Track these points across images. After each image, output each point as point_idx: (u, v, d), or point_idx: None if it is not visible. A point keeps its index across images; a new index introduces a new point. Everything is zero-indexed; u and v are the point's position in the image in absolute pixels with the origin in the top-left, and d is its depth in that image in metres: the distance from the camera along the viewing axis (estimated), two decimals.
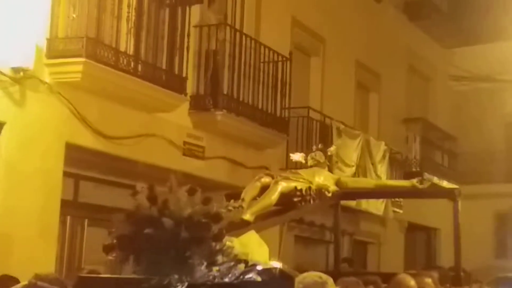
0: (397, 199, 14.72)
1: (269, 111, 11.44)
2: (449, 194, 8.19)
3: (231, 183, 10.51)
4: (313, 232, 13.92)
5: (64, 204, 8.60)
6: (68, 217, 9.36)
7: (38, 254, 7.83)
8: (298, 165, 8.85)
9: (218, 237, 3.67)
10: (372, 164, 14.12)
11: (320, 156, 7.82)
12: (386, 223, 16.12)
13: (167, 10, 9.39)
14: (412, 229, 17.83)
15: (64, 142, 8.31)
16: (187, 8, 9.62)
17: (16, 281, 5.27)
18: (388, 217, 15.27)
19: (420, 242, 19.27)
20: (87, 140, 8.57)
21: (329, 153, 8.08)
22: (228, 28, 10.71)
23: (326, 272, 4.68)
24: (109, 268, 3.82)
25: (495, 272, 14.01)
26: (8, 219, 7.68)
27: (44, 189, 8.06)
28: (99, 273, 3.91)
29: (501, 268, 15.71)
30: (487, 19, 18.41)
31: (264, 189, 7.10)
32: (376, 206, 14.41)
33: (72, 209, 9.38)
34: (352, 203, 13.03)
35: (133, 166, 9.42)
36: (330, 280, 4.37)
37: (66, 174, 8.55)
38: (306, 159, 7.86)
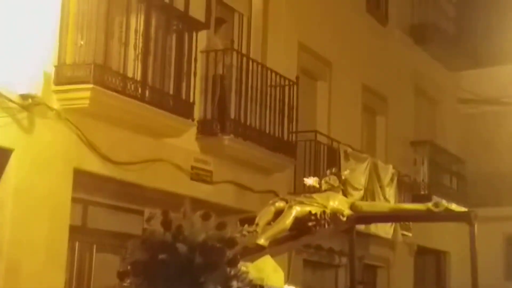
0: (406, 222, 14.66)
1: (277, 135, 11.45)
2: (465, 218, 8.12)
3: (239, 207, 10.51)
4: (321, 256, 13.86)
5: (73, 230, 8.60)
6: (77, 243, 9.35)
7: (47, 280, 7.83)
8: (307, 189, 8.84)
9: (233, 262, 3.64)
10: (380, 187, 14.08)
11: (334, 180, 7.81)
12: (395, 246, 16.05)
13: (174, 36, 9.44)
14: (422, 252, 17.73)
15: (72, 168, 8.33)
16: (194, 34, 9.68)
17: None
18: (397, 241, 15.20)
19: (429, 265, 19.15)
20: (95, 165, 8.59)
21: (343, 177, 8.07)
22: (234, 53, 10.75)
23: None
24: None
25: None
26: (16, 246, 7.68)
27: (52, 215, 8.07)
28: None
29: None
30: (494, 42, 18.43)
31: (278, 213, 7.08)
32: (384, 229, 14.35)
33: (81, 235, 9.38)
34: (361, 227, 12.97)
35: (141, 191, 9.43)
36: None
37: (74, 200, 8.56)
38: (320, 183, 7.84)
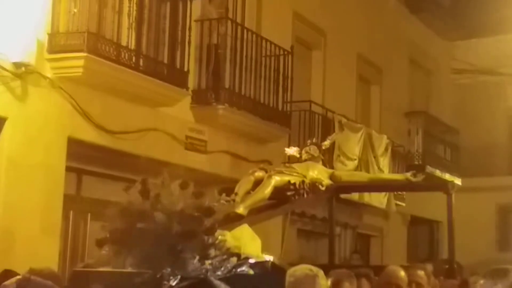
0: (399, 192, 14.71)
1: (271, 105, 11.43)
2: (443, 187, 8.21)
3: (233, 177, 10.48)
4: (315, 226, 13.92)
5: (67, 199, 8.61)
6: (71, 212, 9.36)
7: (41, 250, 7.84)
8: (298, 160, 8.86)
9: (210, 231, 3.67)
10: (374, 157, 14.11)
11: (314, 150, 7.83)
12: (389, 216, 16.12)
13: (168, 4, 9.38)
14: (415, 222, 17.82)
15: (66, 137, 8.31)
16: (188, 2, 9.61)
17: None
18: (391, 211, 15.27)
19: (422, 235, 19.26)
20: (89, 134, 8.57)
21: (323, 147, 8.08)
22: (229, 22, 10.69)
23: (318, 265, 4.69)
24: (102, 262, 3.82)
25: (497, 265, 13.99)
26: (10, 215, 7.69)
27: (46, 184, 8.06)
28: (94, 267, 3.90)
29: (503, 261, 15.70)
30: (489, 12, 18.36)
31: (258, 183, 7.10)
32: (378, 199, 14.41)
33: (75, 203, 9.38)
34: (354, 197, 13.03)
35: (135, 160, 9.40)
36: (320, 273, 4.38)
37: (68, 169, 8.56)
38: (300, 153, 7.86)
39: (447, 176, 16.98)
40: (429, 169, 16.39)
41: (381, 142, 14.53)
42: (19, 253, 7.63)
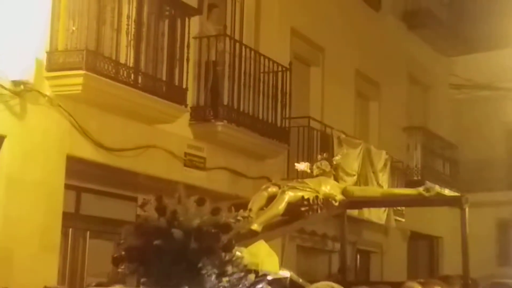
0: (399, 208, 14.70)
1: (270, 121, 11.44)
2: (456, 202, 8.16)
3: (232, 193, 10.51)
4: (315, 242, 13.89)
5: (66, 216, 8.59)
6: (70, 230, 9.34)
7: (40, 267, 7.82)
8: (300, 175, 8.85)
9: (228, 247, 3.64)
10: (374, 173, 14.11)
11: (326, 165, 7.81)
12: (389, 232, 16.10)
13: (167, 22, 9.41)
14: (415, 237, 17.79)
15: (65, 155, 8.31)
16: (187, 20, 9.65)
17: None
18: (390, 226, 15.25)
19: (422, 250, 19.22)
20: (88, 152, 8.57)
21: (334, 162, 8.07)
22: (227, 39, 10.72)
23: (337, 282, 4.66)
24: (114, 280, 3.79)
25: (497, 279, 13.95)
26: (9, 232, 7.67)
27: (45, 201, 8.05)
28: (106, 286, 3.88)
29: (503, 275, 15.67)
30: (486, 27, 18.43)
31: (271, 199, 7.08)
32: (378, 215, 14.39)
33: (74, 221, 9.37)
34: (354, 213, 13.01)
35: (134, 177, 9.42)
36: None
37: (67, 187, 8.55)
38: (311, 169, 7.85)
39: (447, 192, 16.95)
40: (428, 184, 16.36)
41: (380, 158, 14.53)
42: (18, 270, 7.61)
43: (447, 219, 16.19)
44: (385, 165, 14.64)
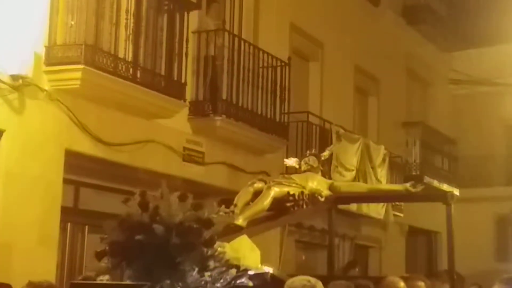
0: (397, 203, 14.71)
1: (269, 116, 11.44)
2: (442, 198, 8.19)
3: (231, 188, 10.49)
4: (313, 237, 13.91)
5: (65, 211, 8.60)
6: (69, 224, 9.35)
7: (39, 262, 7.83)
8: (298, 170, 8.85)
9: (210, 243, 3.67)
10: (372, 168, 14.11)
11: (313, 161, 7.81)
12: (387, 227, 16.11)
13: (165, 16, 9.39)
14: (413, 232, 17.81)
15: (64, 149, 8.31)
16: (185, 14, 9.64)
17: None
18: (389, 221, 15.26)
19: (421, 245, 19.25)
20: (86, 147, 8.57)
21: (322, 158, 8.07)
22: (226, 33, 10.72)
23: (317, 276, 4.67)
24: (101, 274, 3.81)
25: (495, 275, 13.96)
26: (8, 227, 7.67)
27: (44, 196, 8.05)
28: (93, 280, 3.90)
29: (501, 271, 15.67)
30: (486, 23, 18.42)
31: (257, 194, 7.09)
32: (376, 210, 14.40)
33: (73, 216, 9.37)
34: (353, 208, 13.03)
35: (133, 172, 9.41)
36: (319, 284, 4.37)
37: (66, 181, 8.55)
38: (299, 164, 7.85)
39: (445, 187, 16.99)
40: (427, 179, 16.39)
41: (379, 153, 14.54)
42: (17, 265, 7.61)
43: (445, 214, 16.19)
44: (383, 160, 14.65)
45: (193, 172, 10.24)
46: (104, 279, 3.72)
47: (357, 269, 13.07)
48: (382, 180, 14.18)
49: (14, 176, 7.76)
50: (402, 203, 15.00)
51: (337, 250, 13.88)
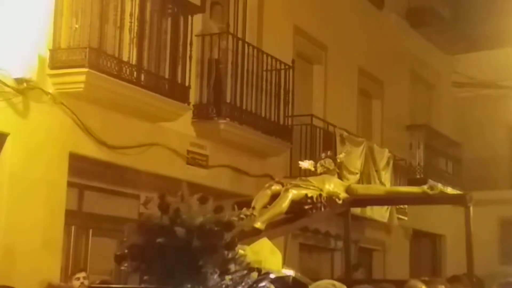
0: (401, 206, 14.69)
1: (272, 119, 11.44)
2: (461, 200, 8.15)
3: (235, 191, 10.51)
4: (318, 240, 13.89)
5: (69, 214, 8.60)
6: (73, 227, 9.36)
7: (43, 265, 7.83)
8: (302, 173, 8.84)
9: (231, 246, 3.64)
10: (376, 171, 14.10)
11: (329, 163, 7.80)
12: (391, 230, 16.08)
13: (169, 20, 9.41)
14: (417, 236, 17.77)
15: (68, 152, 8.32)
16: (189, 17, 9.65)
17: None
18: (393, 224, 15.23)
19: (425, 249, 19.20)
20: (90, 150, 8.58)
21: (338, 160, 8.05)
22: (230, 37, 10.72)
23: (339, 280, 4.65)
24: (117, 278, 3.81)
25: (499, 278, 13.91)
26: (12, 230, 7.68)
27: (48, 199, 8.06)
28: (110, 283, 3.90)
29: (506, 274, 15.63)
30: (490, 25, 18.39)
31: (275, 197, 7.08)
32: (380, 213, 14.38)
33: (77, 219, 9.38)
34: (357, 211, 13.00)
35: (137, 175, 9.42)
36: None
37: (70, 184, 8.56)
38: (315, 167, 7.83)
39: (449, 190, 16.94)
40: (431, 182, 16.34)
41: (383, 156, 14.52)
42: (21, 268, 7.62)
43: (450, 217, 16.19)
44: (387, 163, 14.63)
45: (197, 175, 10.24)
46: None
47: (359, 271, 13.06)
48: (386, 183, 14.15)
49: (19, 179, 7.76)
50: (406, 206, 14.97)
51: (340, 253, 13.88)
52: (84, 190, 9.61)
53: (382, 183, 13.97)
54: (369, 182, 13.53)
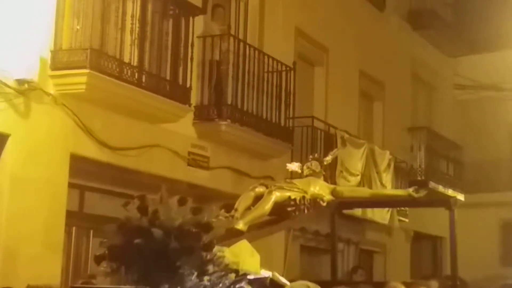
0: (402, 208, 14.69)
1: (274, 120, 11.45)
2: (445, 203, 8.17)
3: (235, 193, 10.48)
4: (318, 242, 13.89)
5: (70, 215, 8.61)
6: (74, 228, 9.36)
7: (44, 266, 7.84)
8: (298, 175, 8.84)
9: (209, 247, 3.67)
10: (377, 173, 14.10)
11: (315, 166, 7.79)
12: (392, 232, 16.09)
13: (171, 21, 9.42)
14: (418, 238, 17.78)
15: (69, 154, 8.32)
16: (191, 19, 9.66)
17: None
18: (394, 226, 15.24)
19: (426, 251, 19.21)
20: (91, 151, 8.59)
21: (325, 163, 8.05)
22: (231, 38, 10.73)
23: (320, 281, 4.67)
24: (103, 278, 3.82)
25: (500, 280, 13.96)
26: (13, 231, 7.68)
27: (49, 200, 8.07)
28: (94, 284, 3.91)
29: (506, 276, 15.66)
30: (491, 28, 18.41)
31: (258, 199, 7.07)
32: (381, 215, 14.39)
33: (78, 220, 9.38)
34: (357, 213, 13.02)
35: (138, 176, 9.43)
36: None
37: (71, 185, 8.57)
38: (301, 169, 7.83)
39: (450, 192, 16.96)
40: (432, 184, 16.38)
41: (384, 158, 14.53)
42: (22, 269, 7.62)
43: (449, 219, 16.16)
44: (388, 165, 14.64)
45: (198, 176, 10.25)
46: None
47: (359, 273, 13.08)
48: (387, 185, 14.16)
49: (20, 180, 7.77)
50: (407, 208, 14.98)
51: (341, 255, 13.89)
52: (85, 191, 9.61)
53: (383, 185, 13.98)
54: (370, 184, 13.53)
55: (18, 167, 7.78)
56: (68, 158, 8.31)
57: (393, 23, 17.09)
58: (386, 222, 14.60)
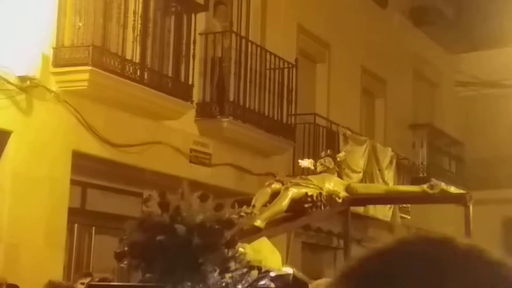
0: (404, 205, 14.68)
1: (276, 117, 11.44)
2: (460, 200, 8.13)
3: (237, 190, 10.50)
4: (320, 239, 13.89)
5: (72, 212, 8.61)
6: (76, 225, 9.37)
7: (46, 262, 7.84)
8: (305, 172, 8.84)
9: (231, 244, 3.64)
10: (379, 170, 14.09)
11: (329, 162, 7.78)
12: (394, 229, 16.07)
13: (173, 18, 9.41)
14: None
15: (71, 150, 8.33)
16: (193, 16, 9.65)
17: None
18: (396, 223, 15.23)
19: None
20: (94, 148, 8.59)
21: (338, 159, 8.04)
22: (233, 35, 10.72)
23: None
24: (119, 276, 3.80)
25: None
26: (15, 228, 7.69)
27: (51, 197, 8.07)
28: (110, 281, 3.90)
29: None
30: (493, 25, 18.37)
31: (275, 195, 7.06)
32: (383, 212, 14.37)
33: (80, 217, 9.39)
34: (359, 210, 12.99)
35: (140, 173, 9.43)
36: None
37: (73, 182, 8.57)
38: (315, 165, 7.82)
39: (452, 189, 16.92)
40: (433, 181, 16.33)
41: (386, 155, 14.52)
42: (24, 266, 7.63)
43: (452, 216, 16.15)
44: (390, 162, 14.63)
45: (200, 173, 10.24)
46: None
47: None
48: (389, 182, 14.14)
49: (22, 176, 7.78)
50: (409, 205, 14.96)
51: (343, 252, 13.86)
52: (87, 188, 9.62)
53: (385, 182, 13.96)
54: (372, 181, 13.52)
55: (20, 164, 7.79)
56: (70, 155, 8.32)
57: (395, 20, 17.07)
58: (388, 219, 14.59)
